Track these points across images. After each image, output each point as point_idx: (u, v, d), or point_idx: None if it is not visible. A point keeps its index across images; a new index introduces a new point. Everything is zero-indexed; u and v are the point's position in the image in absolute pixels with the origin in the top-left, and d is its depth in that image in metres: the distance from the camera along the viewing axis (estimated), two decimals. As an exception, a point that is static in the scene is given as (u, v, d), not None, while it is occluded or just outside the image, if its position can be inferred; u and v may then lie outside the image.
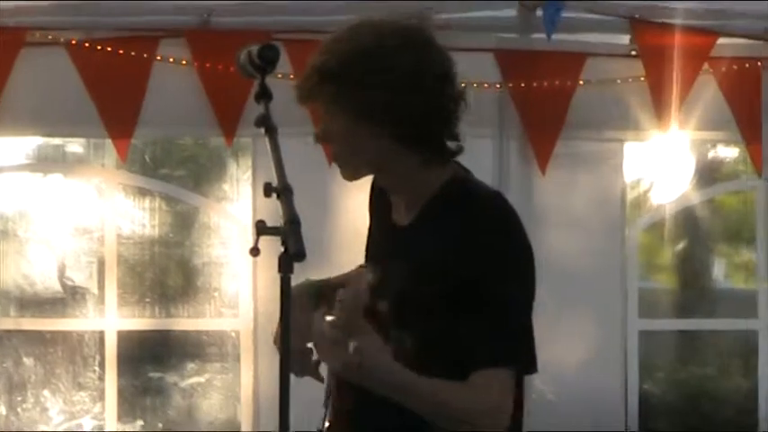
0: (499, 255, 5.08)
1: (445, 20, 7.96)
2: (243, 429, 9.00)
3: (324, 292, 5.58)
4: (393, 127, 5.04)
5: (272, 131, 5.43)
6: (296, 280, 4.75)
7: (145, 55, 8.22)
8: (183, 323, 9.50)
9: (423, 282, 5.13)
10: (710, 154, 10.55)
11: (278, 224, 4.51)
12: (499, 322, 4.98)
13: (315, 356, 5.39)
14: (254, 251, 4.68)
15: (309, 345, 5.40)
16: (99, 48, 8.21)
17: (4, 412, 9.19)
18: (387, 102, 5.04)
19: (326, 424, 5.58)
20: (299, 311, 5.30)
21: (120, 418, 9.02)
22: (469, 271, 4.96)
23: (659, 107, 8.66)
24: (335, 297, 5.21)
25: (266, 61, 4.87)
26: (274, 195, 4.70)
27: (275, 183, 4.65)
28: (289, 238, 4.44)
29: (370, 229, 5.71)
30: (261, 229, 4.68)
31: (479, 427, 5.96)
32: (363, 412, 5.37)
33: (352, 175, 5.27)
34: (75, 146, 8.98)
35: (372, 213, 5.70)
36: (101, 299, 9.01)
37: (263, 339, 8.59)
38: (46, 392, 9.28)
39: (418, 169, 5.25)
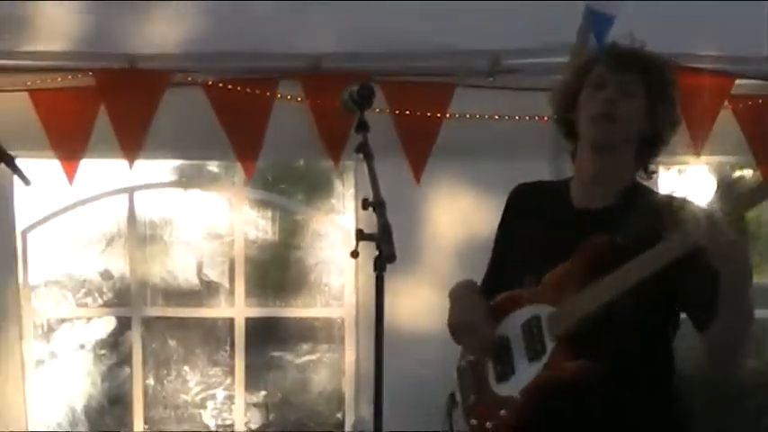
0: None
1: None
2: (346, 398, 9.55)
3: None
4: None
5: (369, 157, 5.81)
6: (388, 278, 5.54)
7: (267, 93, 8.95)
8: (298, 311, 10.25)
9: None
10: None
11: (374, 232, 5.56)
12: None
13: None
14: (355, 254, 5.43)
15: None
16: (229, 88, 8.97)
17: (152, 383, 9.78)
18: None
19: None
20: (471, 297, 6.41)
21: (246, 389, 9.63)
22: None
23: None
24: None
25: (363, 99, 5.98)
26: (371, 208, 5.63)
27: (372, 198, 5.65)
28: (382, 243, 5.51)
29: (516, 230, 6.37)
30: (360, 235, 5.60)
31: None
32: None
33: None
34: (210, 167, 9.82)
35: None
36: (231, 291, 9.75)
37: (363, 324, 9.29)
38: (186, 368, 10.08)
39: None
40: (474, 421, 6.18)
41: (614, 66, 6.22)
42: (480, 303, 6.36)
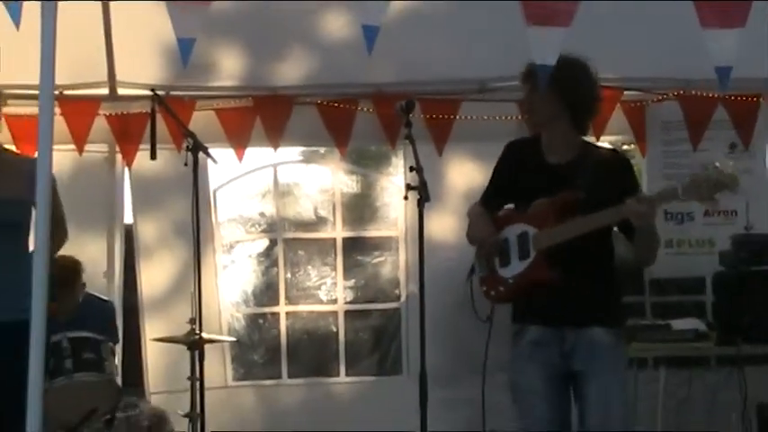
0: None
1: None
2: (401, 282, 9.90)
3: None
4: None
5: (412, 142, 6.36)
6: (425, 211, 6.26)
7: (352, 107, 9.28)
8: (372, 233, 10.27)
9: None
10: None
11: (416, 185, 6.18)
12: None
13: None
14: (405, 197, 6.24)
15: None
16: (331, 104, 9.27)
17: (289, 276, 10.10)
18: None
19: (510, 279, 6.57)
20: (480, 216, 6.74)
21: (344, 278, 10.09)
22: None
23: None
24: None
25: (408, 108, 6.46)
26: (414, 171, 6.26)
27: (415, 165, 6.27)
28: (422, 191, 6.05)
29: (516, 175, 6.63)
30: (408, 187, 6.25)
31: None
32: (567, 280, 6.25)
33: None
34: (320, 150, 10.08)
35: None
36: (333, 222, 10.19)
37: (409, 239, 9.50)
38: (309, 267, 10.41)
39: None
40: (484, 288, 6.64)
41: (525, 77, 6.47)
42: (486, 219, 6.73)
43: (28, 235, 5.98)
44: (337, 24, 8.80)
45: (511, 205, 6.66)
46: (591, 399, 6.35)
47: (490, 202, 6.79)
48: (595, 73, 6.54)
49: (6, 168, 6.16)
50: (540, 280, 6.38)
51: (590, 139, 6.94)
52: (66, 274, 8.27)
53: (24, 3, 5.18)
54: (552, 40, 5.39)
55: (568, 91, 6.45)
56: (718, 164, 5.95)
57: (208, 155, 7.93)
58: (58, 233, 6.46)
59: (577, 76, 6.54)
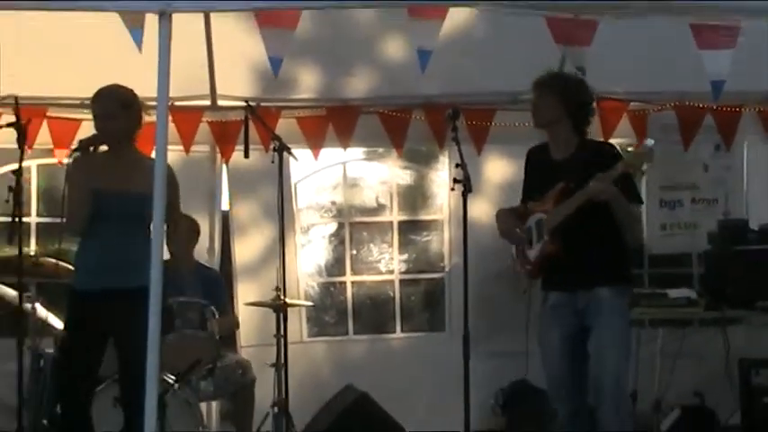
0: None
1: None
2: (445, 256, 9.74)
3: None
4: None
5: (458, 143, 6.48)
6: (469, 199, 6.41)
7: (407, 116, 9.29)
8: (422, 216, 10.24)
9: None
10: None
11: (461, 178, 6.35)
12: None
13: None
14: (451, 189, 6.45)
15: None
16: (389, 113, 9.26)
17: (355, 253, 10.13)
18: None
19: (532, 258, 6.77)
20: (505, 214, 7.01)
21: (399, 253, 9.99)
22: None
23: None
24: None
25: (455, 116, 6.55)
26: (459, 167, 6.37)
27: (459, 162, 6.36)
28: (466, 182, 6.21)
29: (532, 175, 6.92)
30: (454, 180, 6.39)
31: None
32: (568, 253, 6.52)
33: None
34: (379, 150, 9.97)
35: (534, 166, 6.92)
36: (391, 208, 10.10)
37: (453, 223, 9.38)
38: (371, 245, 10.43)
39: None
40: (518, 267, 6.85)
41: (534, 87, 6.74)
42: (508, 217, 6.98)
43: (150, 221, 5.98)
44: (396, 47, 8.78)
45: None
46: (592, 345, 6.49)
47: (526, 200, 6.91)
48: (590, 88, 6.70)
49: (139, 167, 6.24)
50: (549, 253, 6.57)
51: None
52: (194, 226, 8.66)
53: (145, 32, 5.26)
54: (576, 57, 5.42)
55: (569, 99, 6.60)
56: (630, 148, 7.02)
57: (290, 154, 8.04)
58: (173, 218, 6.55)
59: (577, 89, 6.68)
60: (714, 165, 9.34)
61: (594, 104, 6.92)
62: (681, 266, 9.58)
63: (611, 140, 8.90)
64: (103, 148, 6.71)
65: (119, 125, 6.59)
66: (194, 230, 8.70)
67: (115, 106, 6.57)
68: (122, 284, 6.31)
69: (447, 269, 9.74)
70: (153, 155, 5.74)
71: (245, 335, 9.21)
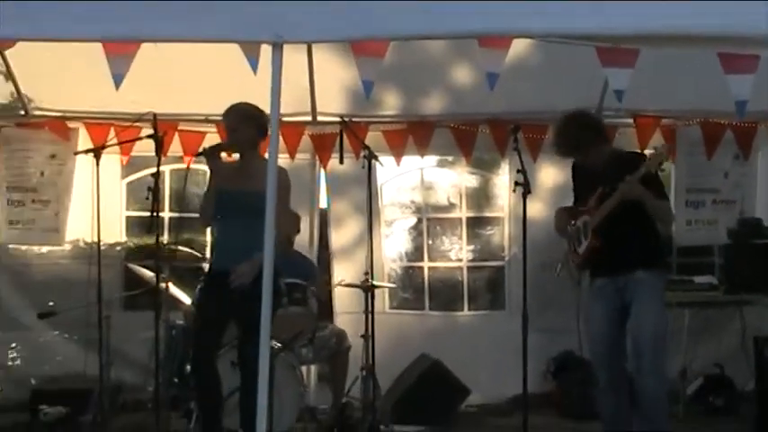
0: None
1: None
2: (505, 247, 9.64)
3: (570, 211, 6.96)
4: None
5: (519, 153, 6.42)
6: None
7: (474, 129, 9.23)
8: (486, 214, 10.09)
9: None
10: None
11: (522, 181, 6.28)
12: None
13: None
14: (513, 189, 6.33)
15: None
16: (461, 126, 9.22)
17: (432, 242, 10.02)
18: None
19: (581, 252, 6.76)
20: (560, 213, 7.03)
21: (467, 244, 9.90)
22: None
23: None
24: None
25: (516, 131, 6.58)
26: (519, 172, 6.30)
27: (520, 167, 6.28)
28: (525, 186, 6.17)
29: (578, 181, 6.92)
30: (516, 183, 6.31)
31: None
32: (609, 245, 6.53)
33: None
34: (449, 158, 9.91)
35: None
36: (460, 206, 9.94)
37: (513, 219, 9.35)
38: (443, 237, 10.38)
39: None
40: (570, 260, 6.88)
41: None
42: (562, 217, 7.01)
43: None
44: (464, 72, 8.78)
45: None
46: (631, 319, 6.48)
47: (578, 202, 6.91)
48: (591, 111, 7.21)
49: (260, 171, 6.32)
50: (593, 249, 6.61)
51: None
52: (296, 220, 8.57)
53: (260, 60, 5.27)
54: (621, 78, 5.38)
55: (591, 126, 6.81)
56: (647, 152, 6.70)
57: (377, 160, 8.01)
58: (288, 217, 6.91)
59: (596, 119, 7.05)
60: (733, 172, 9.26)
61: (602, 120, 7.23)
62: (704, 257, 9.51)
63: (645, 151, 8.69)
64: (236, 155, 6.88)
65: (241, 136, 6.68)
66: (297, 224, 8.67)
67: (237, 120, 6.71)
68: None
69: (507, 258, 9.61)
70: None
71: (340, 305, 9.28)
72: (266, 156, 6.42)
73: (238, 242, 6.50)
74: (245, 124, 6.70)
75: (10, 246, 9.29)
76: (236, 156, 6.89)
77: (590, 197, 6.65)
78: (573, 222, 6.85)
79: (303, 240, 9.13)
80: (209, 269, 7.05)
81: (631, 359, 6.47)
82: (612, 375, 6.59)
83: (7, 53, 7.98)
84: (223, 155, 6.84)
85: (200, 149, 6.97)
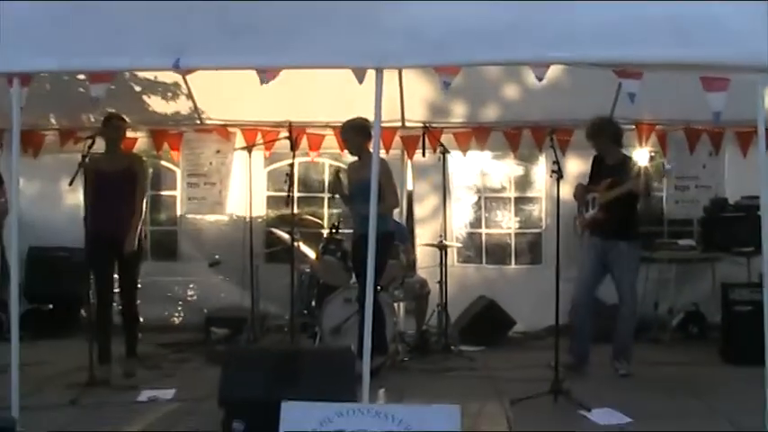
0: None
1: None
2: (543, 222, 9.35)
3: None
4: None
5: (555, 149, 6.27)
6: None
7: (519, 131, 8.95)
8: (526, 195, 9.73)
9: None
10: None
11: (555, 170, 6.11)
12: None
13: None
14: (551, 175, 6.09)
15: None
16: (510, 130, 8.95)
17: (490, 232, 9.60)
18: None
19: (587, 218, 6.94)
20: (578, 188, 7.12)
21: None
22: None
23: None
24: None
25: (552, 133, 6.37)
26: (554, 162, 6.16)
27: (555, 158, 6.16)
28: (559, 173, 5.98)
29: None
30: (551, 173, 6.11)
31: None
32: (608, 218, 6.74)
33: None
34: (497, 153, 9.62)
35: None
36: (510, 189, 9.59)
37: (548, 200, 9.08)
38: (496, 213, 9.85)
39: None
40: (578, 221, 7.12)
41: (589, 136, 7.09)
42: (579, 191, 7.14)
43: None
44: (513, 89, 8.61)
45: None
46: (615, 278, 6.93)
47: (591, 182, 7.03)
48: (617, 123, 7.24)
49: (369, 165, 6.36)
50: (597, 218, 6.84)
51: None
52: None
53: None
54: (634, 87, 5.29)
55: (613, 132, 7.06)
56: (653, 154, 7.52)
57: (448, 154, 7.99)
58: (389, 198, 6.95)
59: (613, 124, 7.16)
60: (709, 164, 9.06)
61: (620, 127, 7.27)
62: (687, 226, 9.33)
63: (645, 149, 8.95)
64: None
65: (355, 144, 7.02)
66: (396, 199, 8.62)
67: (351, 133, 7.03)
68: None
69: (543, 227, 9.43)
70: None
71: (422, 260, 9.15)
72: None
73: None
74: (356, 135, 6.93)
75: (188, 215, 9.44)
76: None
77: (602, 182, 6.79)
78: (585, 195, 7.04)
79: (397, 212, 8.94)
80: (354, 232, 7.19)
81: (619, 299, 6.96)
82: (585, 300, 7.03)
83: (187, 78, 8.04)
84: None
85: (338, 171, 7.42)
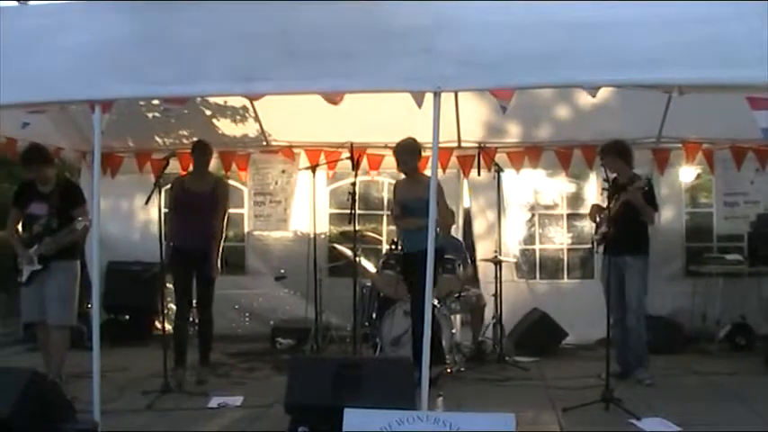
0: None
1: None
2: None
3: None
4: None
5: (605, 166, 6.59)
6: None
7: (570, 150, 8.87)
8: (576, 210, 9.52)
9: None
10: None
11: (606, 186, 6.26)
12: None
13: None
14: (601, 194, 6.50)
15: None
16: (561, 149, 8.85)
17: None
18: None
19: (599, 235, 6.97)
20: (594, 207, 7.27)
21: (567, 232, 9.63)
22: None
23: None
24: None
25: (602, 152, 6.74)
26: (604, 179, 6.33)
27: (605, 175, 6.21)
28: (609, 189, 6.21)
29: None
30: (603, 187, 6.31)
31: None
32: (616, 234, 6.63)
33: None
34: (548, 171, 9.34)
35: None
36: (561, 206, 9.51)
37: None
38: (548, 225, 9.73)
39: None
40: (594, 237, 7.24)
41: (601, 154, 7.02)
42: (594, 208, 7.35)
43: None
44: (563, 111, 8.53)
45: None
46: (626, 289, 6.88)
47: (608, 202, 6.89)
48: (628, 145, 7.12)
49: (422, 182, 6.39)
50: (606, 234, 6.82)
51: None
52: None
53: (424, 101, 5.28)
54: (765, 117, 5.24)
55: (623, 153, 7.01)
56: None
57: (502, 172, 7.98)
58: (447, 213, 7.13)
59: (624, 146, 7.07)
60: (757, 180, 8.89)
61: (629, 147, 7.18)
62: (735, 241, 9.12)
63: (692, 167, 9.04)
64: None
65: (404, 162, 6.99)
66: (452, 217, 8.60)
67: (405, 153, 6.99)
68: (417, 248, 6.41)
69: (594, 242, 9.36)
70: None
71: (479, 276, 9.18)
72: (424, 171, 6.94)
73: (416, 232, 6.62)
74: (408, 155, 6.93)
75: (255, 232, 9.56)
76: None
77: (614, 199, 6.76)
78: (597, 214, 7.14)
79: (454, 228, 9.06)
80: (404, 250, 7.15)
81: (626, 306, 6.92)
82: (619, 315, 6.91)
83: (255, 102, 8.11)
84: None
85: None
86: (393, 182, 8.73)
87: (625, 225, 6.62)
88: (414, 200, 6.65)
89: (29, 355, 7.84)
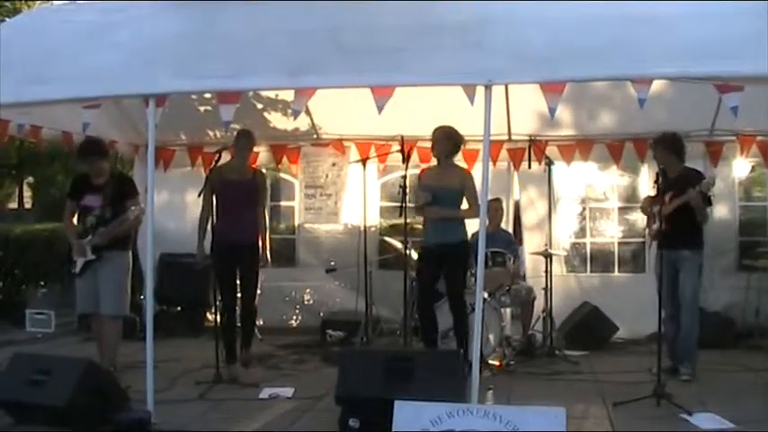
0: None
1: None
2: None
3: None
4: None
5: (658, 159, 6.56)
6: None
7: (621, 143, 8.83)
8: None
9: None
10: None
11: (658, 180, 6.21)
12: None
13: None
14: (653, 186, 6.20)
15: None
16: (612, 142, 8.80)
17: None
18: None
19: (654, 230, 6.82)
20: (648, 199, 7.11)
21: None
22: None
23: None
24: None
25: (654, 144, 6.66)
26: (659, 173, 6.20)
27: (659, 170, 6.43)
28: (662, 182, 6.05)
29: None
30: (655, 181, 6.15)
31: None
32: (671, 229, 6.41)
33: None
34: (597, 166, 9.22)
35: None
36: (607, 201, 9.46)
37: None
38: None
39: None
40: (647, 233, 7.35)
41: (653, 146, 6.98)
42: (647, 201, 7.21)
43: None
44: (615, 102, 8.39)
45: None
46: (680, 284, 6.78)
47: (656, 195, 6.75)
48: (681, 138, 6.93)
49: (452, 173, 6.39)
50: (660, 229, 6.55)
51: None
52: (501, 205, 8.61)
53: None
54: (736, 100, 5.17)
55: (675, 146, 6.87)
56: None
57: (553, 165, 7.91)
58: (476, 207, 6.69)
59: (677, 139, 6.90)
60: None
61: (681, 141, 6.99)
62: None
63: (745, 160, 8.87)
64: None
65: (441, 148, 6.88)
66: (501, 208, 8.64)
67: (440, 137, 6.90)
68: (449, 240, 6.65)
69: (646, 235, 9.14)
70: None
71: (529, 268, 9.13)
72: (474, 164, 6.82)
73: (444, 223, 6.72)
74: (444, 140, 6.80)
75: (306, 224, 9.62)
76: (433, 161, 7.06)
77: (666, 194, 6.58)
78: (651, 207, 7.00)
79: (504, 221, 9.03)
80: (426, 243, 6.96)
81: (680, 303, 6.78)
82: (671, 312, 6.77)
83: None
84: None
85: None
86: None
87: (682, 221, 6.56)
88: (440, 188, 6.62)
89: (84, 345, 8.01)
